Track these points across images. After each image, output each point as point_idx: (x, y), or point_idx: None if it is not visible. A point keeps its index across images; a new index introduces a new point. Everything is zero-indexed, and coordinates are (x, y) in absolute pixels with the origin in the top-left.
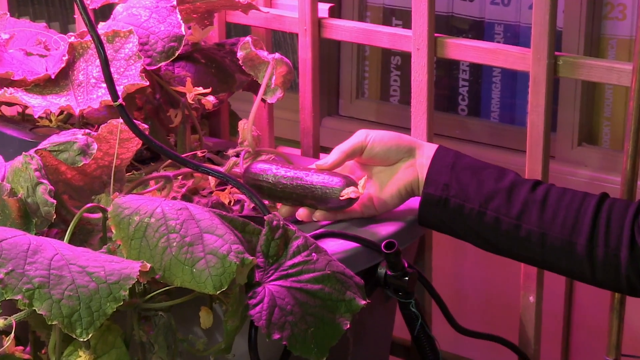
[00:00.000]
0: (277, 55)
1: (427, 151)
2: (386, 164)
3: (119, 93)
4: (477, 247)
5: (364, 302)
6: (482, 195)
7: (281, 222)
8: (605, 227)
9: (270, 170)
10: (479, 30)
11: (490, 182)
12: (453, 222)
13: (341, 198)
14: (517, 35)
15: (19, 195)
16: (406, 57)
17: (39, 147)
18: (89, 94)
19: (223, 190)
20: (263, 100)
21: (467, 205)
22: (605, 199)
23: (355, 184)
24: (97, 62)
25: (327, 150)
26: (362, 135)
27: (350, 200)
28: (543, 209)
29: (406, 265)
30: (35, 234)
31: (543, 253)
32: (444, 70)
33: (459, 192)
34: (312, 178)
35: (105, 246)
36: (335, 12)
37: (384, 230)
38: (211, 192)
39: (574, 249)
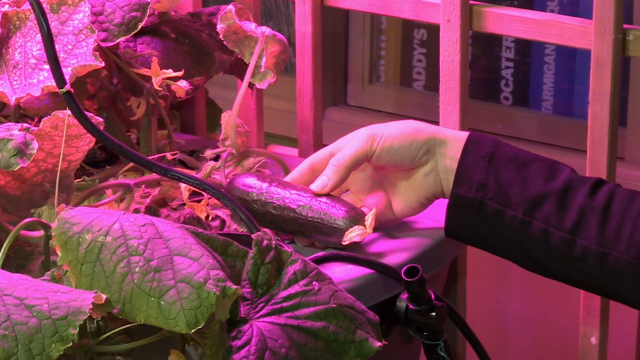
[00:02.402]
0: (267, 29)
1: (452, 148)
2: (401, 170)
3: (66, 77)
4: (520, 266)
5: (379, 343)
6: (528, 199)
7: (273, 242)
8: None
9: (259, 194)
10: None
11: (538, 181)
12: (490, 232)
13: (344, 242)
14: (575, 4)
15: None
16: (433, 30)
17: None
18: (27, 78)
19: (199, 201)
20: (250, 86)
21: (507, 212)
22: None
23: (361, 218)
24: (38, 37)
25: None
26: (366, 141)
27: (355, 243)
28: (605, 221)
29: (433, 296)
30: None
31: (603, 277)
32: (482, 48)
33: (498, 193)
34: (307, 210)
35: (49, 272)
36: None
37: (405, 252)
38: (183, 204)
39: None
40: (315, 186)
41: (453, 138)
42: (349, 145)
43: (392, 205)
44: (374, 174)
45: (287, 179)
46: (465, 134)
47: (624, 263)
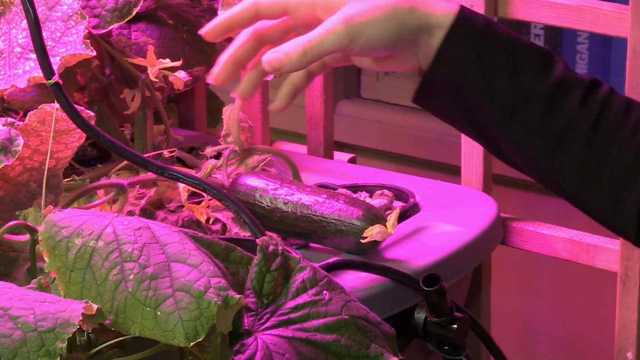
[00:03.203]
0: None
1: (439, 38)
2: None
3: (55, 67)
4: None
5: (395, 358)
6: (513, 94)
7: (280, 248)
8: None
9: (266, 189)
10: None
11: (528, 76)
12: (462, 118)
13: (362, 241)
14: None
15: None
16: None
17: None
18: (12, 68)
19: (198, 203)
20: None
21: (487, 104)
22: None
23: (381, 218)
24: (24, 23)
25: (343, 146)
26: (342, 39)
27: (374, 243)
28: (592, 137)
29: (454, 307)
30: None
31: (577, 193)
32: None
33: (481, 80)
34: (322, 207)
35: (35, 280)
36: None
37: (424, 258)
38: (182, 206)
39: (620, 201)
40: (267, 59)
41: (439, 27)
42: (323, 34)
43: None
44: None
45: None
46: (455, 10)
47: (602, 189)
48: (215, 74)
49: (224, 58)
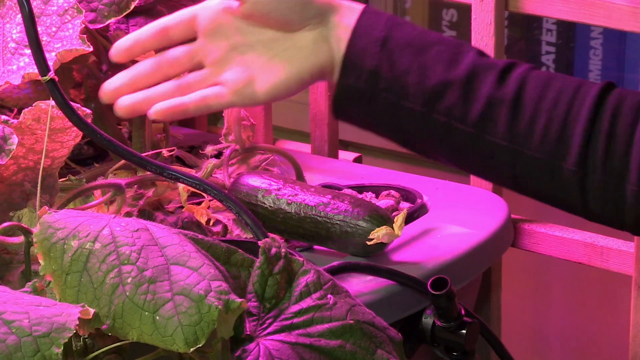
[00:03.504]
0: None
1: (349, 16)
2: (285, 29)
3: (50, 63)
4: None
5: None
6: (427, 88)
7: (283, 250)
8: (606, 141)
9: (269, 189)
10: None
11: (439, 68)
12: (384, 125)
13: (368, 243)
14: None
15: None
16: (464, 10)
17: None
18: (5, 64)
19: (198, 204)
20: None
21: (404, 104)
22: (609, 94)
23: (388, 220)
24: (19, 18)
25: (348, 145)
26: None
27: (380, 245)
28: (515, 114)
29: (463, 312)
30: None
31: (514, 175)
32: (521, 31)
33: (393, 83)
34: (328, 208)
35: (30, 283)
36: None
37: (431, 261)
38: (181, 207)
39: (558, 173)
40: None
41: (351, 7)
42: None
43: (258, 82)
44: (239, 37)
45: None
46: (360, 7)
47: (537, 162)
48: (108, 90)
49: (123, 77)
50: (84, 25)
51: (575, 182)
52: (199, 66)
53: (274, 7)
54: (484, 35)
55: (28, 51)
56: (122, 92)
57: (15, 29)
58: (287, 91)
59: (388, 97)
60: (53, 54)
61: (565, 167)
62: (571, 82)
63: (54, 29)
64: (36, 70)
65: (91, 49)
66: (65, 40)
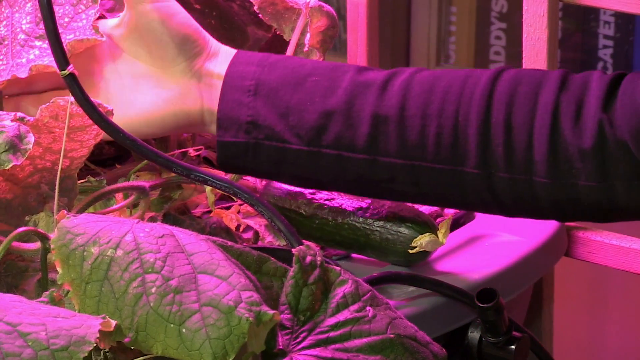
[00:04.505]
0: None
1: (224, 59)
2: (158, 64)
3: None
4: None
5: None
6: (310, 125)
7: (318, 259)
8: (505, 135)
9: (303, 193)
10: None
11: (317, 99)
12: (277, 173)
13: (411, 251)
14: None
15: None
16: (515, 1)
17: None
18: (14, 57)
19: (228, 208)
20: None
21: (290, 147)
22: (499, 82)
23: (432, 226)
24: (29, 7)
25: None
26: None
27: (423, 254)
28: (403, 128)
29: (512, 326)
30: None
31: (420, 192)
32: (576, 23)
33: (273, 129)
34: (367, 213)
35: (47, 293)
36: None
37: (478, 271)
38: (209, 212)
39: (461, 179)
40: None
41: (225, 53)
42: None
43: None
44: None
45: None
46: (232, 54)
47: (438, 172)
48: None
49: None
50: (99, 14)
51: (481, 184)
52: None
53: (156, 36)
54: (536, 28)
55: (39, 43)
56: None
57: (25, 19)
58: (149, 133)
59: (272, 145)
60: (65, 44)
61: (467, 171)
62: (457, 77)
63: (66, 19)
64: (45, 62)
65: (104, 39)
66: (78, 31)
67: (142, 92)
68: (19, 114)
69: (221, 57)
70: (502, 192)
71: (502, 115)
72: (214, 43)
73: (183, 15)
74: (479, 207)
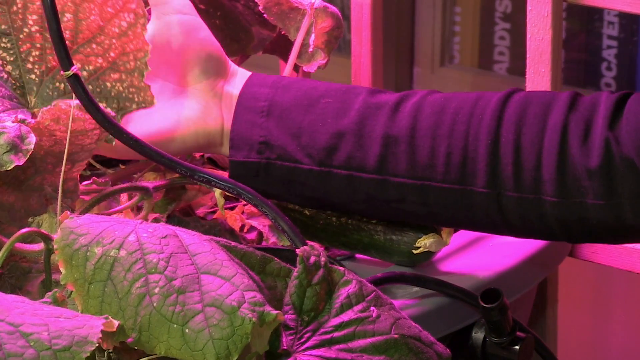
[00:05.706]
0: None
1: (240, 81)
2: (179, 81)
3: None
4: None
5: None
6: (321, 145)
7: (322, 259)
8: (514, 155)
9: None
10: None
11: (329, 120)
12: (288, 193)
13: (415, 252)
14: None
15: None
16: (519, 1)
17: None
18: None
19: (232, 209)
20: (296, 68)
21: (301, 168)
22: (509, 103)
23: (437, 229)
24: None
25: None
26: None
27: (428, 254)
28: (413, 148)
29: (517, 326)
30: None
31: (430, 212)
32: (580, 24)
33: (285, 149)
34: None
35: (50, 293)
36: None
37: (482, 271)
38: (213, 212)
39: (471, 198)
40: None
41: (241, 76)
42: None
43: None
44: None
45: None
46: (247, 76)
47: (448, 192)
48: None
49: None
50: None
51: (490, 204)
52: None
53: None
54: (540, 28)
55: (39, 44)
56: None
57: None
58: (173, 151)
59: (283, 164)
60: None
61: (476, 191)
62: (468, 99)
63: None
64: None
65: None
66: None
67: (162, 111)
68: (20, 116)
69: (238, 79)
70: (510, 212)
71: (511, 135)
72: (231, 64)
73: (207, 33)
74: (487, 228)
